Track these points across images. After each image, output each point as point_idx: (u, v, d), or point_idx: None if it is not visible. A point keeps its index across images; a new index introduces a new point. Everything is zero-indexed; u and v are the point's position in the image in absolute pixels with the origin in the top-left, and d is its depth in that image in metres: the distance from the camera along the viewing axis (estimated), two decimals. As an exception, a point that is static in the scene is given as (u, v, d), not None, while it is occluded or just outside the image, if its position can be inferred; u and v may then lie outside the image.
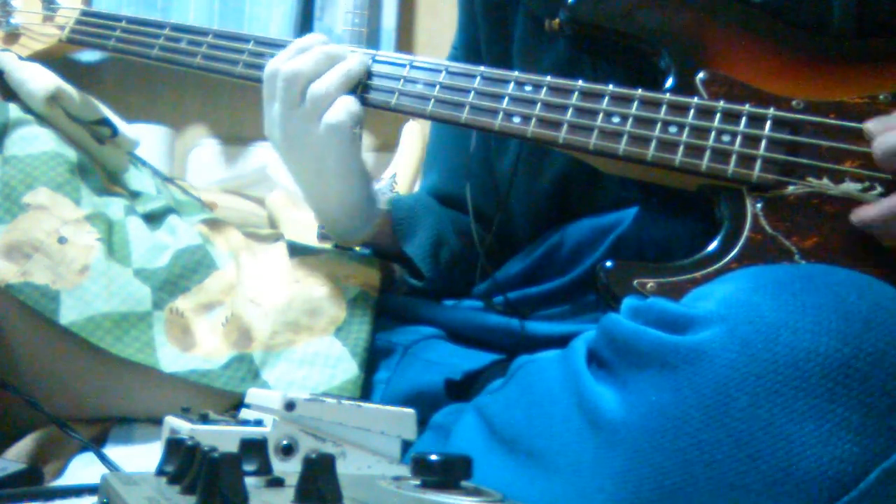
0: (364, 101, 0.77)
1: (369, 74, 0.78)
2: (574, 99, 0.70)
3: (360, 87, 0.77)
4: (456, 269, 0.87)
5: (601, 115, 0.69)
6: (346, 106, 0.75)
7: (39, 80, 0.80)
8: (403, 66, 0.77)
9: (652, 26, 0.71)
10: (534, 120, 0.70)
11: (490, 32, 0.85)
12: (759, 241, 0.63)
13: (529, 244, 0.82)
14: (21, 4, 0.92)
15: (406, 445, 0.51)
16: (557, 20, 0.73)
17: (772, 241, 0.63)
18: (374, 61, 0.78)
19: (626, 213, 0.74)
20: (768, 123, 0.65)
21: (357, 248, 0.89)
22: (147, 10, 2.12)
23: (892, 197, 0.59)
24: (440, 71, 0.75)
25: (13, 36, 0.92)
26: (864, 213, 0.60)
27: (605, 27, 0.72)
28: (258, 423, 0.50)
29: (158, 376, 0.72)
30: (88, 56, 2.15)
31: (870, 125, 0.62)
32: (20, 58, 0.83)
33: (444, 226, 0.88)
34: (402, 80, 0.76)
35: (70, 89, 0.82)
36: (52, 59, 0.89)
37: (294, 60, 0.76)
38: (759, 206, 0.64)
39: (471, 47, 0.89)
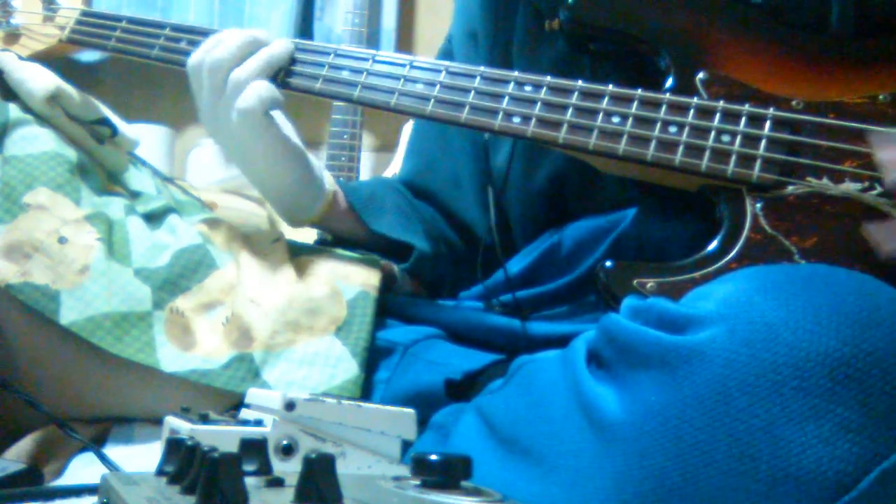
0: (286, 86, 0.78)
1: (294, 60, 0.79)
2: (574, 99, 0.70)
3: (282, 73, 0.78)
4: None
5: (601, 115, 0.69)
6: (257, 91, 0.75)
7: (39, 80, 0.80)
8: (403, 65, 0.77)
9: (652, 26, 0.71)
10: (533, 120, 0.70)
11: (488, 24, 0.85)
12: (759, 241, 0.63)
13: (528, 244, 0.82)
14: (21, 5, 0.92)
15: (406, 445, 0.51)
16: (557, 20, 0.73)
17: (771, 240, 0.63)
18: (374, 61, 0.78)
19: (626, 213, 0.74)
20: (768, 123, 0.65)
21: (310, 229, 0.91)
22: (147, 11, 2.12)
23: None
24: (440, 71, 0.75)
25: (13, 36, 0.92)
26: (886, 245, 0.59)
27: (605, 27, 0.72)
28: (258, 423, 0.50)
29: (158, 376, 0.72)
30: (88, 56, 2.15)
31: (877, 147, 0.62)
32: (20, 58, 0.83)
33: (411, 213, 0.89)
34: (402, 80, 0.76)
35: (70, 89, 0.82)
36: (52, 59, 0.89)
37: (217, 49, 0.77)
38: (758, 205, 0.64)
39: (467, 36, 0.89)
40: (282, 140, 0.79)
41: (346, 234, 0.90)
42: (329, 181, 0.86)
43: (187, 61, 0.79)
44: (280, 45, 0.79)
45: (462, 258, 0.93)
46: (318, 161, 0.86)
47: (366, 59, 0.78)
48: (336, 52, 0.79)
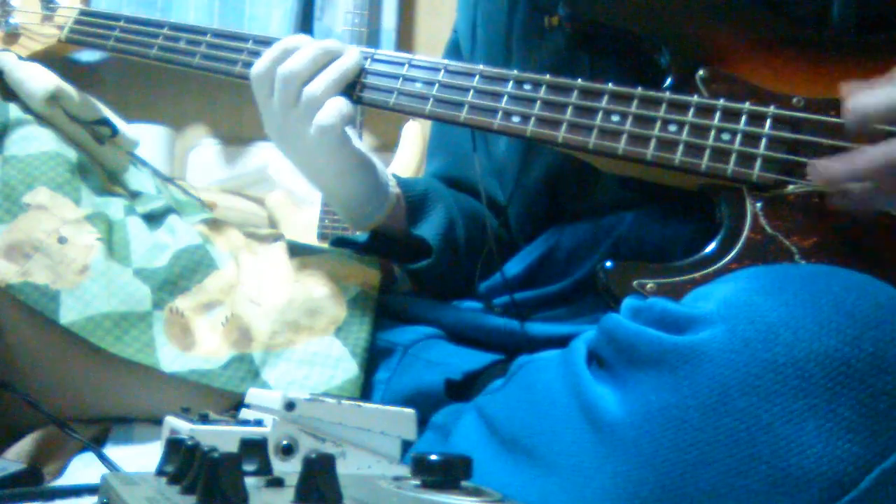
0: (360, 101, 0.77)
1: (365, 72, 0.78)
2: (573, 97, 0.70)
3: (359, 86, 0.77)
4: (462, 257, 0.86)
5: (600, 114, 0.69)
6: (338, 107, 0.74)
7: (39, 80, 0.80)
8: (402, 64, 0.77)
9: (652, 23, 0.71)
10: (532, 119, 0.70)
11: (488, 18, 0.85)
12: (759, 241, 0.63)
13: (527, 245, 0.82)
14: (20, 4, 0.92)
15: (406, 445, 0.51)
16: (557, 17, 0.73)
17: (772, 240, 0.62)
18: (373, 60, 0.78)
19: (625, 214, 0.74)
20: (768, 122, 0.65)
21: (359, 234, 0.88)
22: (147, 10, 2.12)
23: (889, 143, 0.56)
24: (439, 70, 0.75)
25: (12, 36, 0.92)
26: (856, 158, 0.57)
27: (604, 24, 0.72)
28: (258, 423, 0.50)
29: (158, 376, 0.72)
30: (88, 56, 2.15)
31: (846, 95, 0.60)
32: (20, 58, 0.83)
33: (454, 209, 0.88)
34: (400, 80, 0.76)
35: (70, 89, 0.82)
36: (51, 58, 0.89)
37: (290, 61, 0.75)
38: (759, 205, 0.64)
39: (471, 28, 0.89)
40: (354, 153, 0.79)
41: (395, 235, 0.87)
42: (392, 184, 0.85)
43: (251, 71, 0.77)
44: (352, 56, 0.77)
45: (502, 244, 0.91)
46: (383, 166, 0.85)
47: (364, 59, 0.78)
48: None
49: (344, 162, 0.78)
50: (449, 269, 0.85)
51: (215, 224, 0.86)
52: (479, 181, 0.82)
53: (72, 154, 0.79)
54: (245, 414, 0.53)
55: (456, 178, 0.93)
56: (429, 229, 0.84)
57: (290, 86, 0.75)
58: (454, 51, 0.93)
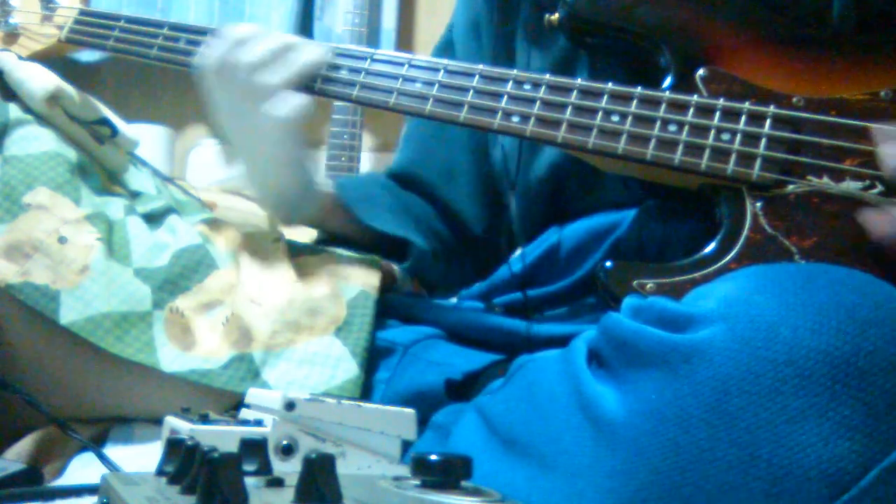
0: (322, 93, 0.78)
1: (335, 67, 0.78)
2: (573, 97, 0.70)
3: (321, 79, 0.77)
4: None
5: (600, 114, 0.69)
6: (297, 101, 0.75)
7: (39, 80, 0.80)
8: (402, 64, 0.77)
9: (651, 23, 0.71)
10: (532, 119, 0.70)
11: (492, 15, 0.85)
12: (759, 241, 0.63)
13: (527, 244, 0.82)
14: (20, 4, 0.91)
15: (406, 445, 0.51)
16: (556, 15, 0.73)
17: (771, 240, 0.62)
18: (372, 60, 0.78)
19: (625, 214, 0.74)
20: (768, 121, 0.65)
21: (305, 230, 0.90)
22: (147, 10, 2.12)
23: None
24: (438, 70, 0.75)
25: (12, 36, 0.92)
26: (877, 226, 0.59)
27: (604, 24, 0.72)
28: (258, 423, 0.50)
29: (158, 376, 0.72)
30: (88, 56, 2.15)
31: (880, 140, 0.61)
32: (20, 58, 0.83)
33: (401, 210, 0.89)
34: (400, 80, 0.76)
35: (70, 89, 0.82)
36: (51, 58, 0.89)
37: (246, 50, 0.76)
38: (758, 205, 0.64)
39: (471, 26, 0.89)
40: (298, 149, 0.79)
41: (340, 231, 0.89)
42: (320, 181, 0.86)
43: (198, 57, 0.77)
44: (314, 52, 0.77)
45: (454, 252, 0.93)
46: (312, 161, 0.86)
47: (364, 59, 0.78)
48: (333, 51, 0.79)
49: (286, 155, 0.78)
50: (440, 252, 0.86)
51: (215, 224, 0.86)
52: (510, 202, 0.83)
53: (72, 154, 0.79)
54: (245, 414, 0.53)
55: (411, 176, 0.94)
56: (384, 222, 0.85)
57: (244, 74, 0.75)
58: (444, 49, 0.94)
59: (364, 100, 0.77)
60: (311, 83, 0.77)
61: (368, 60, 0.78)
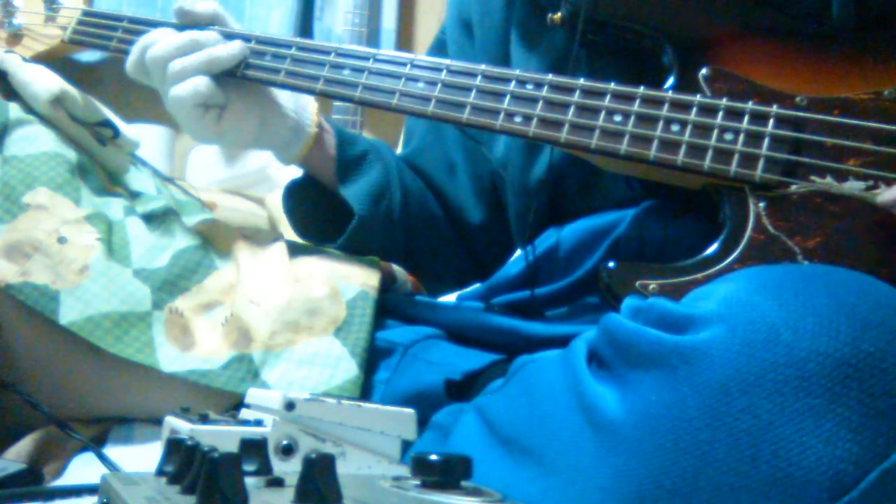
0: (244, 77, 0.80)
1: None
2: (576, 97, 0.69)
3: (242, 65, 0.80)
4: (395, 224, 0.87)
5: (603, 114, 0.68)
6: (193, 83, 0.77)
7: (43, 83, 0.80)
8: (404, 64, 0.77)
9: (654, 22, 0.71)
10: (535, 119, 0.70)
11: (484, 15, 0.85)
12: (762, 242, 0.62)
13: (525, 245, 0.82)
14: (23, 4, 0.91)
15: (406, 445, 0.51)
16: (559, 14, 0.73)
17: (774, 241, 0.62)
18: (375, 60, 0.78)
19: (624, 214, 0.74)
20: (771, 121, 0.65)
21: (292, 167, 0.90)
22: (147, 10, 2.12)
23: None
24: (441, 70, 0.75)
25: (16, 37, 0.92)
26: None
27: (607, 22, 0.72)
28: (258, 423, 0.50)
29: (158, 376, 0.72)
30: (89, 56, 2.15)
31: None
32: (24, 59, 0.83)
33: (393, 176, 0.88)
34: (402, 80, 0.76)
35: (73, 91, 0.82)
36: (52, 58, 0.89)
37: (157, 46, 0.78)
38: (761, 205, 0.64)
39: (461, 26, 0.89)
40: (222, 124, 0.80)
41: (322, 178, 0.88)
42: (313, 123, 0.85)
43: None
44: (227, 48, 0.79)
45: (448, 239, 0.93)
46: (300, 102, 0.85)
47: (367, 59, 0.78)
48: (336, 51, 0.79)
49: (206, 130, 0.80)
50: (379, 234, 0.86)
51: (215, 224, 0.86)
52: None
53: (71, 154, 0.79)
54: (245, 414, 0.53)
55: (416, 166, 0.94)
56: (357, 191, 0.85)
57: (157, 67, 0.78)
58: (437, 50, 0.94)
59: (367, 100, 0.77)
60: (233, 71, 0.80)
61: (371, 60, 0.78)
